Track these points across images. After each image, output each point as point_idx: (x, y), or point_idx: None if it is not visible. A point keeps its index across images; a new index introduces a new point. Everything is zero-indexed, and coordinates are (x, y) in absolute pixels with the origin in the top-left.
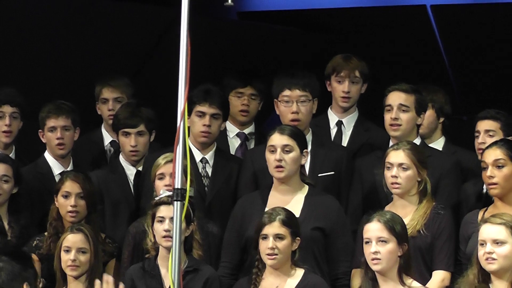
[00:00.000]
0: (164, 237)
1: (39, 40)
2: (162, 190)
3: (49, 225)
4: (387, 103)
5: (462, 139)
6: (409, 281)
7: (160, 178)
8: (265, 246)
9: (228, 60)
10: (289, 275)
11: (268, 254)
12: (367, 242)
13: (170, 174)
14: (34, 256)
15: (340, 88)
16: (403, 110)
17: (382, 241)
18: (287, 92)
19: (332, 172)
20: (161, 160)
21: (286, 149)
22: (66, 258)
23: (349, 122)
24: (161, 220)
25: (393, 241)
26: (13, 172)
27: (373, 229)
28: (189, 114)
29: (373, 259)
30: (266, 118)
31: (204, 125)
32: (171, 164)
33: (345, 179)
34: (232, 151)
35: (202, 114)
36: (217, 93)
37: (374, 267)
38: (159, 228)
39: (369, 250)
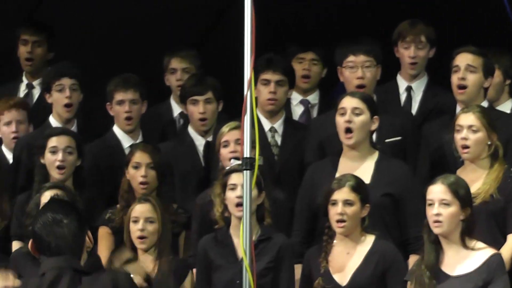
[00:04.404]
0: (237, 205)
1: (105, 15)
2: (232, 160)
3: (121, 197)
4: (455, 64)
5: None
6: (473, 243)
7: (225, 146)
8: (334, 212)
9: (292, 29)
10: (359, 241)
11: (337, 221)
12: (430, 204)
13: (235, 140)
14: (107, 229)
15: (406, 53)
16: (471, 71)
17: (445, 203)
18: (351, 58)
19: (399, 138)
20: (224, 128)
21: (356, 111)
22: (135, 229)
23: (419, 87)
24: (233, 188)
25: (455, 204)
26: (76, 144)
27: (436, 191)
28: (255, 83)
29: (434, 221)
30: (331, 89)
31: (270, 92)
32: (235, 131)
33: (411, 144)
34: (295, 118)
35: (267, 82)
36: (280, 60)
37: (435, 230)
38: (232, 196)
39: (431, 212)
